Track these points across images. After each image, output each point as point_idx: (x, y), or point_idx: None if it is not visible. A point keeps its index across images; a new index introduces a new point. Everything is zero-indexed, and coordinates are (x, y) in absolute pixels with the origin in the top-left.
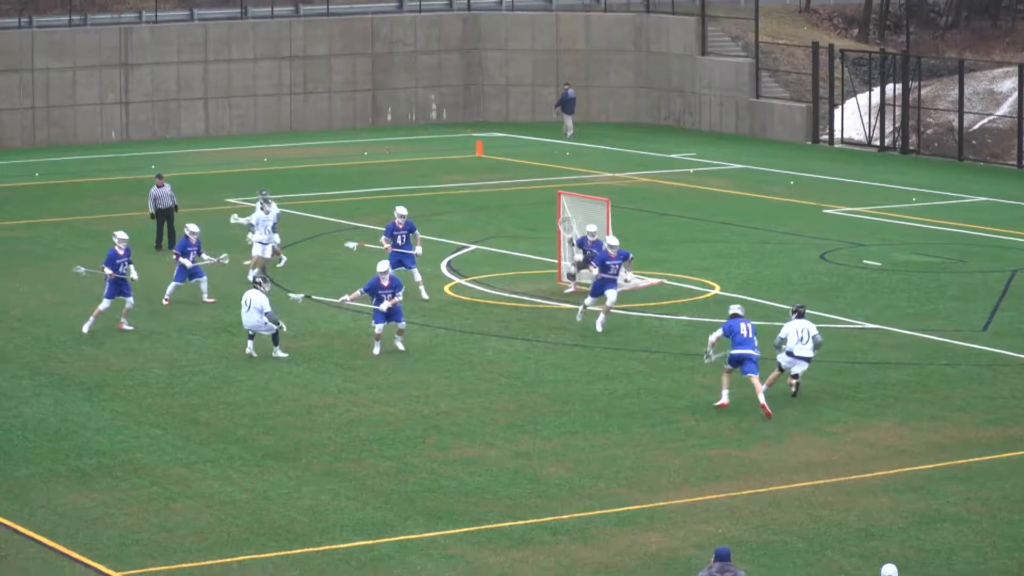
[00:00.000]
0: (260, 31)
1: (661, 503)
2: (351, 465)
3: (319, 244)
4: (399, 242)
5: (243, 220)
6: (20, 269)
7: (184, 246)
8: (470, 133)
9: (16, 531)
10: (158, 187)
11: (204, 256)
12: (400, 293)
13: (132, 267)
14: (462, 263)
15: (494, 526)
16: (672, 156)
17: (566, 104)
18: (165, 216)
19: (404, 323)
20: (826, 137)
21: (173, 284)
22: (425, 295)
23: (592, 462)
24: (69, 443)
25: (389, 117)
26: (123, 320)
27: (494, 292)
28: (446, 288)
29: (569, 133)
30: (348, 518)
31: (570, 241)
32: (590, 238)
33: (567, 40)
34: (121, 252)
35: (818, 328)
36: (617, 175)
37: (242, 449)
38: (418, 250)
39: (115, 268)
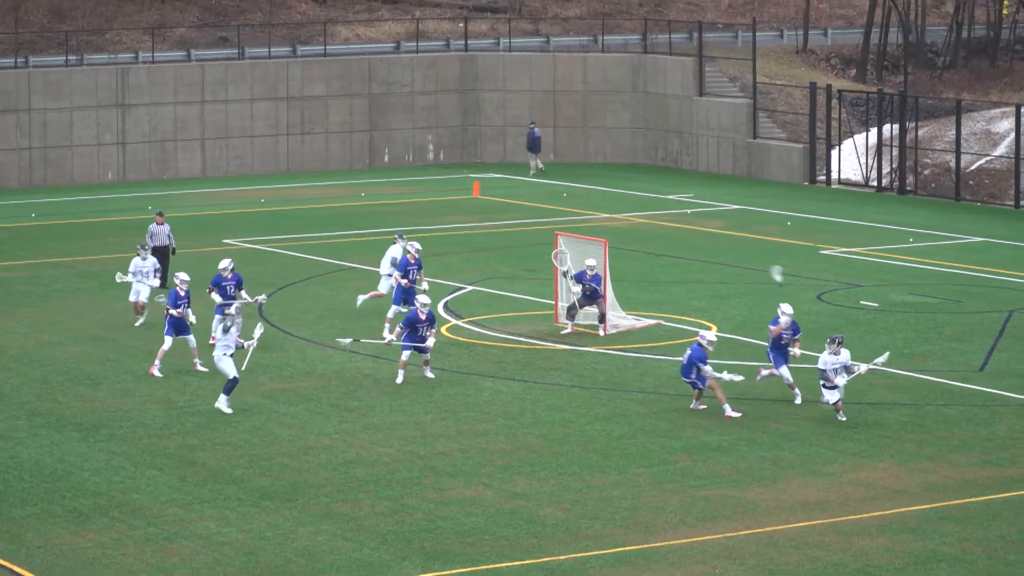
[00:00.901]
0: (257, 71)
1: (658, 544)
2: (347, 506)
3: (315, 285)
4: (411, 276)
5: (126, 279)
6: (18, 310)
7: (176, 298)
8: (468, 174)
9: (13, 571)
10: (157, 224)
11: (243, 295)
12: (434, 327)
13: (190, 311)
14: (459, 304)
15: (491, 567)
16: (669, 197)
17: (532, 143)
18: (161, 255)
19: (429, 354)
20: (823, 178)
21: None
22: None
23: (589, 503)
24: (65, 484)
25: (386, 158)
26: (195, 360)
27: (491, 333)
28: (443, 329)
29: (531, 173)
30: (344, 559)
31: (564, 274)
32: (589, 272)
33: (564, 81)
34: (182, 294)
35: (814, 368)
36: (614, 216)
37: (239, 490)
38: (424, 286)
39: (176, 308)
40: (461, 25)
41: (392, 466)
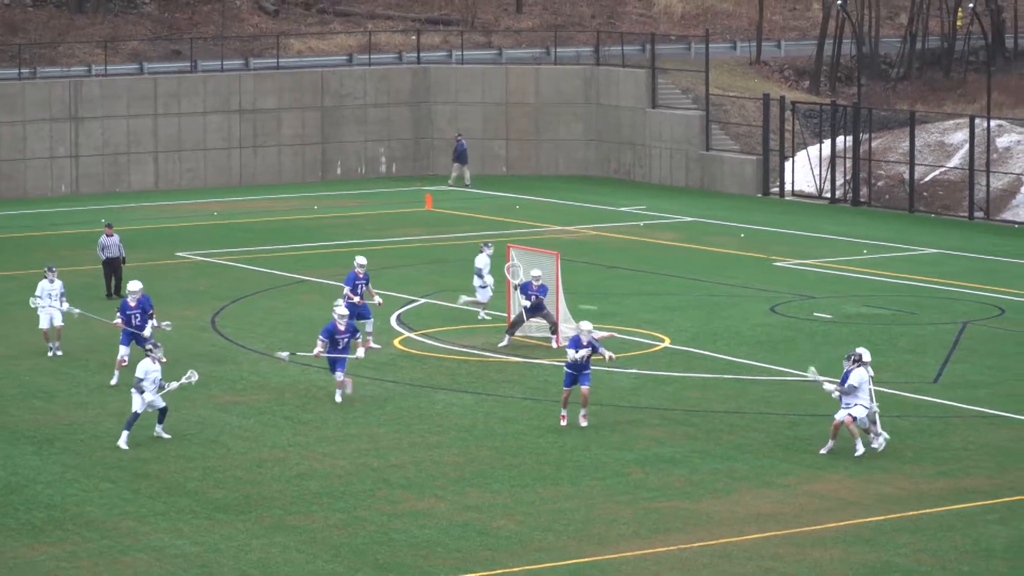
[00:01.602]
0: (210, 84)
1: (611, 555)
2: (301, 518)
3: (268, 298)
4: (359, 291)
5: (37, 302)
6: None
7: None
8: (419, 186)
9: None
10: (107, 236)
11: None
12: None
13: (149, 324)
14: (411, 317)
15: None
16: (622, 209)
17: (459, 155)
18: (112, 266)
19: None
20: (777, 189)
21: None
22: (374, 345)
23: (542, 515)
24: (19, 497)
25: (339, 171)
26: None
27: (444, 345)
28: (396, 342)
29: (450, 182)
30: (298, 571)
31: (515, 287)
32: (534, 283)
33: (517, 93)
34: (133, 304)
35: (768, 380)
36: (567, 228)
37: (192, 502)
38: (377, 300)
39: (127, 320)
40: (414, 38)
41: (345, 478)
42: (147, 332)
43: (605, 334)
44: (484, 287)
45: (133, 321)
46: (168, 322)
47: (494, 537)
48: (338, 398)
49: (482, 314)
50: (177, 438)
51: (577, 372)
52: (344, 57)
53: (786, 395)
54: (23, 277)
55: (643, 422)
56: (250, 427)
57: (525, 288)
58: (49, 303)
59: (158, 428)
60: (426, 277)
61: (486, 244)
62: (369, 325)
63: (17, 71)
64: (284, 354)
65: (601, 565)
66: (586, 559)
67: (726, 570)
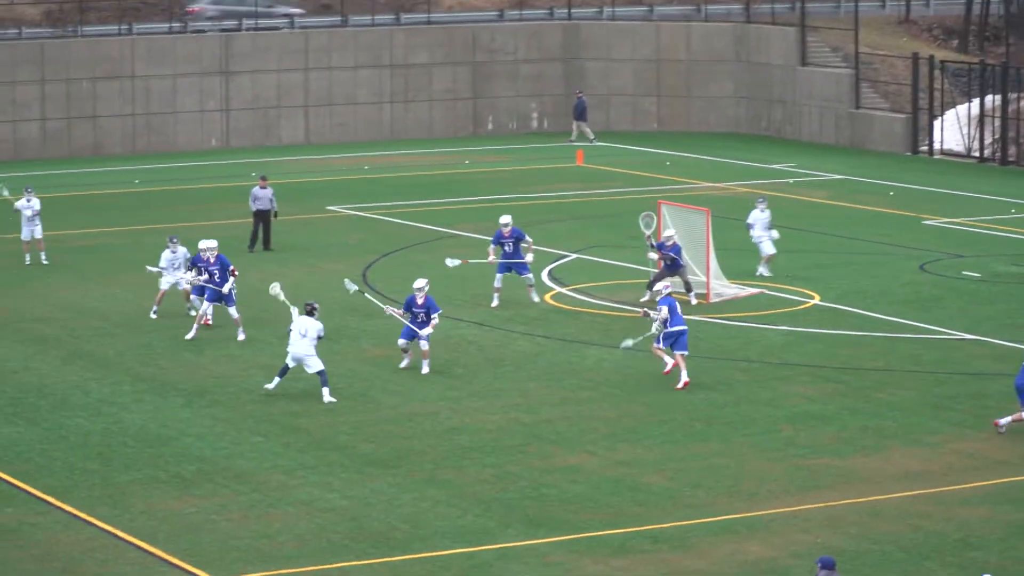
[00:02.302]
0: (361, 39)
1: (761, 512)
2: (451, 473)
3: (419, 252)
4: (507, 250)
5: (156, 271)
6: (121, 276)
7: (196, 262)
8: (571, 142)
9: (116, 536)
10: (260, 188)
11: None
12: (436, 316)
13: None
14: (563, 272)
15: (594, 534)
16: (772, 166)
17: (581, 112)
18: (262, 218)
19: (427, 344)
20: (926, 148)
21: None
22: (535, 298)
23: (692, 471)
24: (169, 449)
25: (490, 126)
26: (238, 330)
27: (595, 301)
28: (547, 297)
29: (573, 138)
30: (448, 526)
31: (647, 239)
32: (667, 242)
33: (668, 50)
34: (212, 260)
35: (917, 339)
36: (717, 185)
37: (342, 456)
38: (529, 257)
39: (209, 275)
40: None
41: (496, 433)
42: (227, 288)
43: (755, 291)
44: (760, 240)
45: (214, 277)
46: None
47: (644, 493)
48: (403, 364)
49: (761, 270)
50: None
51: None
52: (495, 13)
53: (935, 353)
54: (173, 230)
55: (793, 379)
56: (401, 381)
57: (660, 246)
58: (170, 272)
59: (325, 393)
60: (578, 233)
61: (761, 199)
62: (529, 279)
63: (168, 25)
64: (353, 286)
65: (750, 521)
66: (735, 515)
67: (874, 528)
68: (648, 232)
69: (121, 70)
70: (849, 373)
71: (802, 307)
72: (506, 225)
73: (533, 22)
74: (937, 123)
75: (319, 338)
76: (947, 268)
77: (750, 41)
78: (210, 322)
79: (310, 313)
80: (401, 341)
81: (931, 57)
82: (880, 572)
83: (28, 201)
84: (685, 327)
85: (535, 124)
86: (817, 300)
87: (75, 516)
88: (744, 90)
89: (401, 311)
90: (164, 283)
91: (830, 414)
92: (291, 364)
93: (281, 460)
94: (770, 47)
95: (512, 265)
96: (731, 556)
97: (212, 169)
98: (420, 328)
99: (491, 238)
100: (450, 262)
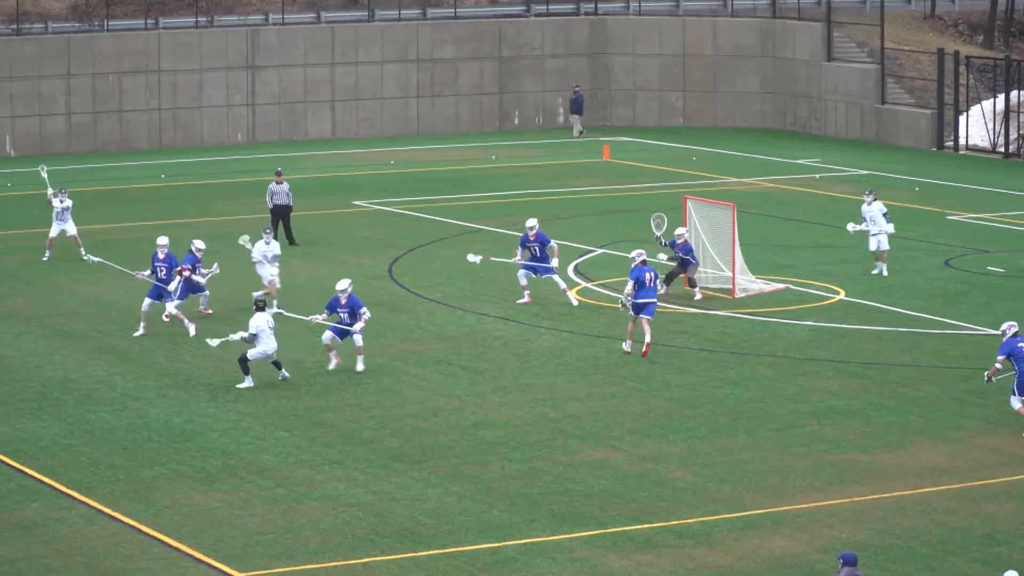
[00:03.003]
0: (387, 34)
1: (786, 507)
2: (477, 468)
3: (445, 247)
4: (534, 253)
5: (249, 246)
6: (146, 270)
7: (193, 262)
8: (597, 137)
9: (141, 531)
10: (276, 183)
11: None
12: (362, 315)
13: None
14: (589, 267)
15: (619, 529)
16: (797, 162)
17: (576, 106)
18: (281, 214)
19: (361, 340)
20: (951, 143)
21: (177, 301)
22: (574, 301)
23: (717, 466)
24: (194, 444)
25: (517, 121)
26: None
27: (621, 296)
28: (573, 292)
29: (576, 133)
30: (473, 521)
31: (657, 240)
32: (678, 240)
33: (694, 45)
34: (199, 256)
35: (942, 334)
36: (743, 180)
37: (368, 451)
38: (554, 262)
39: (154, 272)
40: None
41: (522, 428)
42: (172, 287)
43: (780, 286)
44: (876, 234)
45: (159, 274)
46: (216, 267)
47: (670, 488)
48: (331, 365)
49: (881, 270)
50: (353, 386)
51: None
52: (522, 7)
53: (961, 348)
54: (199, 225)
55: (818, 374)
56: (426, 376)
57: (672, 244)
58: (268, 265)
59: (282, 372)
60: (603, 227)
61: (869, 192)
62: (560, 282)
63: (194, 20)
64: (476, 257)
65: (775, 516)
66: (761, 510)
67: (899, 523)
68: (659, 233)
69: (147, 64)
70: (874, 368)
71: (827, 302)
72: (532, 228)
73: (560, 17)
74: (962, 119)
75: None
76: (972, 263)
77: (776, 36)
78: (209, 311)
79: (261, 309)
80: (326, 337)
81: (956, 52)
82: (905, 567)
83: (61, 201)
84: (654, 299)
85: (561, 119)
86: (842, 295)
87: (100, 511)
88: (770, 85)
89: (324, 316)
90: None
91: (855, 409)
92: (269, 360)
93: (306, 455)
94: (796, 42)
95: (537, 268)
96: (756, 551)
97: (238, 164)
98: (348, 327)
99: (520, 235)
100: (472, 257)
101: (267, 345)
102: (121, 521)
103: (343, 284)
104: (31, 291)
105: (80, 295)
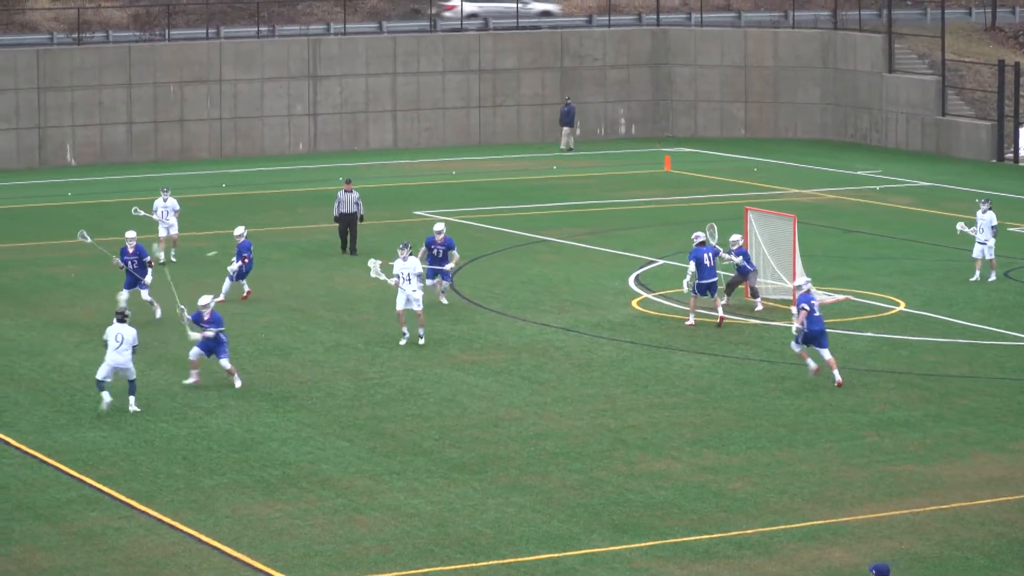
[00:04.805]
0: (449, 44)
1: (845, 518)
2: (537, 478)
3: (507, 257)
4: (436, 255)
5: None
6: (208, 279)
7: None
8: (659, 148)
9: (201, 541)
10: (345, 191)
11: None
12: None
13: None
14: (650, 278)
15: (679, 540)
16: (858, 173)
17: (567, 118)
18: (348, 222)
19: (227, 362)
20: (1011, 155)
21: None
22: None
23: (777, 477)
24: (254, 454)
25: (578, 131)
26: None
27: (682, 307)
28: (634, 303)
29: (563, 147)
30: (533, 531)
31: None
32: (733, 246)
33: (755, 56)
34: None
35: (1001, 345)
36: (804, 191)
37: (428, 461)
38: (449, 266)
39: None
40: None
41: (582, 439)
42: (148, 279)
43: (841, 297)
44: (983, 243)
45: (131, 266)
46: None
47: (730, 499)
48: (190, 380)
49: (982, 276)
50: (413, 396)
51: None
52: (584, 18)
53: (1020, 360)
54: (260, 235)
55: (878, 385)
56: (487, 386)
57: (729, 253)
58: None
59: (131, 401)
60: (664, 238)
61: (984, 200)
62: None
63: (256, 29)
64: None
65: (835, 528)
66: (820, 521)
67: (958, 534)
68: (712, 242)
69: (208, 74)
70: (933, 380)
71: (887, 314)
72: (439, 232)
73: (622, 28)
74: (1022, 130)
75: (134, 347)
76: None
77: (837, 48)
78: (222, 299)
79: (122, 320)
80: (193, 354)
81: (1017, 64)
82: None
83: (165, 201)
84: (715, 278)
85: (623, 130)
86: (902, 307)
87: (159, 520)
88: (831, 97)
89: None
90: (400, 300)
91: (915, 420)
92: (107, 378)
93: (366, 465)
94: (857, 54)
95: (438, 271)
96: (815, 562)
97: (299, 174)
98: (216, 346)
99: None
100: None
101: (109, 358)
102: (181, 531)
103: (204, 300)
104: (90, 300)
105: (141, 304)
